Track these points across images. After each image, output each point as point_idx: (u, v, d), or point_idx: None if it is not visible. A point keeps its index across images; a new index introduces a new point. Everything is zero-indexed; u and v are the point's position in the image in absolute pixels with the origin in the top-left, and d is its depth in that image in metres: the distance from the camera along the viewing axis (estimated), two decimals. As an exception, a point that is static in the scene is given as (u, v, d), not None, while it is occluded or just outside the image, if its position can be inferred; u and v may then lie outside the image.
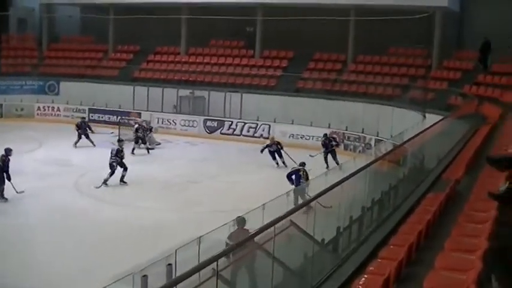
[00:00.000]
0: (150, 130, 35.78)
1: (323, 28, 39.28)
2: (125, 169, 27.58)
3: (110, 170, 27.19)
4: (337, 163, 30.24)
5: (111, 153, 27.66)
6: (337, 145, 32.94)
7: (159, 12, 42.98)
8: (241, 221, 14.78)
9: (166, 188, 27.12)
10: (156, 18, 42.84)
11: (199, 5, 42.82)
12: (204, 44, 44.85)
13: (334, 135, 33.89)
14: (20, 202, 24.13)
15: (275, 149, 31.80)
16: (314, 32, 39.93)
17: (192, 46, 45.04)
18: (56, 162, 30.14)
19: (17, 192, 24.16)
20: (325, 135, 32.93)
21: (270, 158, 31.62)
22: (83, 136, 34.97)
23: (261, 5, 41.22)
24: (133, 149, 33.35)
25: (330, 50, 40.54)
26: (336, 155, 31.71)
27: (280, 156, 31.71)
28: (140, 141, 34.25)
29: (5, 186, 24.36)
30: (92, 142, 34.89)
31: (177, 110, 41.37)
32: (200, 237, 12.27)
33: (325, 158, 31.54)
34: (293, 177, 24.61)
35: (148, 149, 33.91)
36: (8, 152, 24.97)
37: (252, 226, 10.36)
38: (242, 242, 9.53)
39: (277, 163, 31.68)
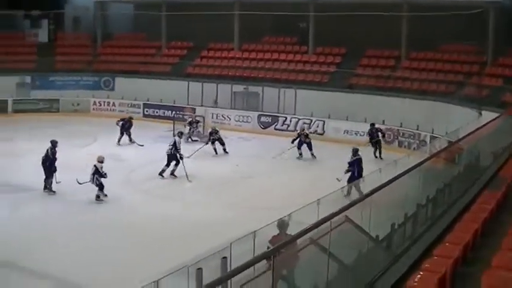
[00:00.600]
0: (197, 123, 35.99)
1: (376, 24, 39.02)
2: (177, 163, 27.91)
3: (173, 162, 27.89)
4: (380, 156, 31.78)
5: (173, 145, 28.27)
6: (383, 136, 33.33)
7: (211, 9, 43.04)
8: (282, 224, 14.04)
9: (218, 183, 27.26)
10: (208, 15, 42.85)
11: (252, 1, 42.92)
12: (257, 40, 44.92)
13: (381, 128, 33.84)
14: (72, 195, 24.55)
15: (304, 141, 32.07)
16: (367, 28, 39.68)
17: (245, 42, 45.13)
18: (110, 156, 30.22)
19: (56, 182, 24.83)
20: (372, 124, 33.27)
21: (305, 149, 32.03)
22: (125, 133, 35.03)
23: (314, 1, 41.14)
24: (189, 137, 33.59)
25: (383, 46, 40.21)
26: (381, 147, 32.39)
27: (310, 148, 32.00)
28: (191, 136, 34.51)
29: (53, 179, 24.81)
30: (130, 140, 34.84)
31: (216, 104, 41.56)
32: (255, 231, 12.33)
33: (374, 152, 32.44)
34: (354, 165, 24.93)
35: (224, 150, 33.62)
36: (55, 144, 25.48)
37: (306, 221, 10.33)
38: (284, 245, 9.40)
39: (301, 154, 32.20)
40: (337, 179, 25.35)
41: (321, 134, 36.88)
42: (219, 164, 30.75)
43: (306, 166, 30.61)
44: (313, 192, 19.00)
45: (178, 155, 28.01)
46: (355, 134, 35.95)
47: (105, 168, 24.88)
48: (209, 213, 22.69)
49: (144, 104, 42.99)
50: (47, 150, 25.32)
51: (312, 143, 32.39)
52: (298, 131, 33.52)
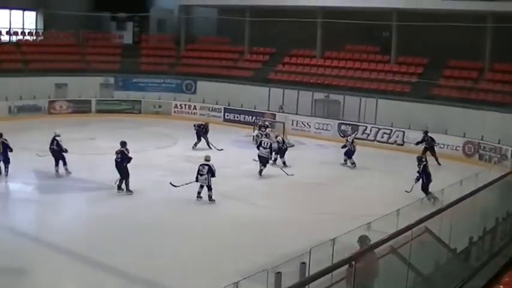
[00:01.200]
0: (266, 127, 35.97)
1: (459, 34, 38.71)
2: (264, 164, 28.90)
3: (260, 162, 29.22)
4: (438, 162, 32.13)
5: (263, 146, 29.57)
6: (435, 144, 33.69)
7: (295, 15, 43.11)
8: (364, 240, 13.39)
9: (294, 188, 27.46)
10: (291, 21, 43.03)
11: (335, 9, 42.93)
12: (339, 48, 44.90)
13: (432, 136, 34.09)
14: (150, 196, 25.14)
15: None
16: (450, 39, 39.35)
17: (327, 50, 45.15)
18: (189, 159, 30.76)
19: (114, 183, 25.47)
20: (426, 132, 33.85)
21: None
22: (202, 138, 34.97)
23: (397, 10, 40.96)
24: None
25: (466, 57, 39.68)
26: (435, 153, 33.03)
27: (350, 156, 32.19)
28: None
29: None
30: (209, 144, 34.52)
31: (283, 110, 41.62)
32: (334, 238, 12.42)
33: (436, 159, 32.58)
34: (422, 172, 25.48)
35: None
36: (125, 144, 25.84)
37: (386, 231, 10.38)
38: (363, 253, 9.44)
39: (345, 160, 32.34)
40: (406, 191, 25.42)
41: (401, 145, 36.68)
42: (296, 170, 30.78)
43: (384, 175, 30.49)
44: (392, 202, 19.07)
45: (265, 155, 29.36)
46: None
47: (185, 170, 25.32)
48: (286, 218, 22.82)
49: (224, 108, 43.37)
50: (123, 152, 25.53)
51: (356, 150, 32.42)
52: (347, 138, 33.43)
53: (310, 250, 12.50)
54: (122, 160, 25.36)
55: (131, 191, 25.32)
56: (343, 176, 30.03)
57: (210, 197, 24.55)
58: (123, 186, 25.33)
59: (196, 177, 24.68)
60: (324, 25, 43.97)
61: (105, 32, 52.40)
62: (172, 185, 25.14)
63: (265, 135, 33.96)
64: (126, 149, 25.63)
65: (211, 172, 24.55)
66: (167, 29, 54.83)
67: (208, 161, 24.97)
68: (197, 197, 24.57)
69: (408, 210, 14.33)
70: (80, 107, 44.39)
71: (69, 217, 22.57)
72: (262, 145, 29.75)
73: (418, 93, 39.12)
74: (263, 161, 29.33)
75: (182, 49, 50.70)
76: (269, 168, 30.00)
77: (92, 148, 33.48)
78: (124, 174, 25.39)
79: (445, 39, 39.49)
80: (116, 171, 25.37)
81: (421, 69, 41.39)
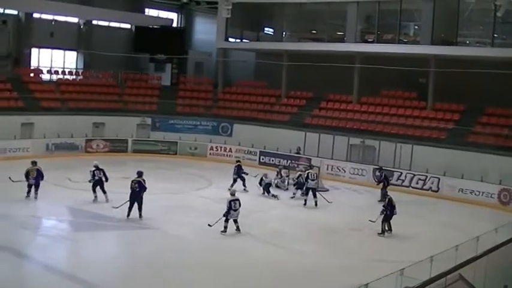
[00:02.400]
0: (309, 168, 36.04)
1: (496, 81, 38.51)
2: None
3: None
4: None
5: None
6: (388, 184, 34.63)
7: (332, 60, 43.22)
8: None
9: (328, 233, 27.27)
10: (328, 66, 43.18)
11: (372, 54, 43.12)
12: (375, 93, 44.98)
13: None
14: (184, 237, 25.07)
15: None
16: (487, 85, 39.23)
17: (363, 95, 45.23)
18: (223, 201, 30.80)
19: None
20: (381, 168, 35.58)
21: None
22: (238, 179, 34.94)
23: (435, 56, 41.03)
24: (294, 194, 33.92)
25: (504, 104, 39.60)
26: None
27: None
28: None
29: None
30: (245, 187, 34.75)
31: (301, 153, 41.75)
32: (367, 284, 12.38)
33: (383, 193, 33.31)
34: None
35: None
36: (141, 175, 27.54)
37: (419, 277, 10.33)
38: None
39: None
40: (370, 220, 27.12)
41: (436, 191, 36.48)
42: (328, 213, 30.78)
43: (419, 222, 30.29)
44: (426, 249, 18.95)
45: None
46: (470, 192, 35.37)
47: (219, 212, 25.55)
48: (318, 262, 22.72)
49: (260, 151, 43.43)
50: (140, 182, 27.16)
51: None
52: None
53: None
54: (140, 189, 26.97)
55: (142, 217, 26.71)
56: (377, 221, 29.86)
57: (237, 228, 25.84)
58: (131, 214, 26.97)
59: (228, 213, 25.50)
60: (361, 70, 44.11)
61: (143, 73, 53.02)
62: (209, 225, 25.45)
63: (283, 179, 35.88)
64: (143, 179, 27.27)
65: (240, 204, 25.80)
66: (205, 71, 55.45)
67: (232, 195, 26.37)
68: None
69: (442, 258, 14.23)
70: (117, 147, 44.82)
71: (102, 256, 22.61)
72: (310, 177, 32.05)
73: (454, 140, 38.95)
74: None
75: (219, 92, 51.09)
76: (301, 211, 30.12)
77: (128, 188, 33.64)
78: (140, 202, 26.99)
79: (482, 85, 39.33)
80: (129, 199, 27.06)
81: (458, 115, 41.27)
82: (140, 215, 26.83)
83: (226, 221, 25.43)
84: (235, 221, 25.74)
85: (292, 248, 24.48)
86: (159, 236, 25.17)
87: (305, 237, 26.49)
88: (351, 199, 35.34)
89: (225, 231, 25.32)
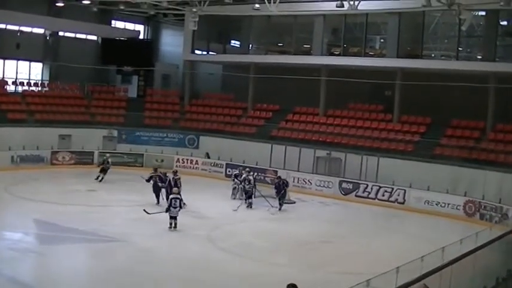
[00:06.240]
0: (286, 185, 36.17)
1: (462, 95, 38.83)
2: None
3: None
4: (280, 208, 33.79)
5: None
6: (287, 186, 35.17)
7: (299, 73, 43.41)
8: None
9: (298, 246, 27.10)
10: (295, 79, 43.30)
11: (339, 67, 43.32)
12: (342, 106, 45.16)
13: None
14: (154, 250, 24.86)
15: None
16: (452, 98, 39.54)
17: (330, 107, 45.39)
18: (192, 214, 30.80)
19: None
20: (279, 177, 35.83)
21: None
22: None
23: (401, 69, 41.33)
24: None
25: (469, 117, 40.00)
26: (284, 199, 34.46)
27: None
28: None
29: None
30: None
31: (208, 157, 43.80)
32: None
33: (279, 200, 34.09)
34: None
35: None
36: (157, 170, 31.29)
37: None
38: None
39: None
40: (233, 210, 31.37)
41: (402, 203, 36.68)
42: (298, 226, 30.87)
43: (386, 233, 30.43)
44: (392, 260, 19.04)
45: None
46: (436, 204, 35.58)
47: (186, 224, 25.68)
48: (288, 275, 22.56)
49: (226, 164, 43.32)
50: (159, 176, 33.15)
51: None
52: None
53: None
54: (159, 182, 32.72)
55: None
56: (344, 233, 29.97)
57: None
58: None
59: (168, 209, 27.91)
60: (327, 83, 44.30)
61: (110, 85, 52.93)
62: (145, 211, 28.71)
63: (243, 180, 35.67)
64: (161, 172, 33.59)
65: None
66: (172, 83, 55.49)
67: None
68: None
69: (409, 268, 14.32)
70: (83, 159, 44.56)
71: (70, 269, 22.40)
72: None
73: (420, 152, 39.20)
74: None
75: (186, 104, 51.09)
76: (269, 223, 30.25)
77: (95, 200, 33.60)
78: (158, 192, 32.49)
79: (448, 98, 39.68)
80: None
81: (424, 128, 41.57)
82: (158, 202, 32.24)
83: (171, 217, 27.65)
84: (175, 218, 27.63)
85: (265, 261, 24.46)
86: (128, 248, 24.97)
87: (276, 250, 26.40)
88: (318, 211, 35.43)
89: (170, 227, 27.50)
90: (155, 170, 34.86)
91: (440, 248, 19.19)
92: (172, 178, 33.56)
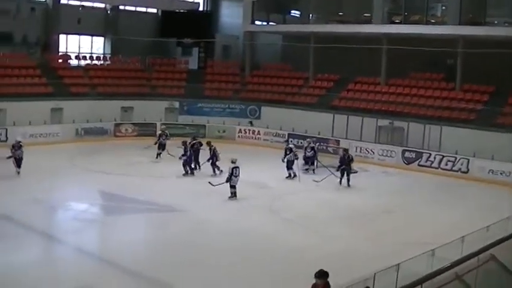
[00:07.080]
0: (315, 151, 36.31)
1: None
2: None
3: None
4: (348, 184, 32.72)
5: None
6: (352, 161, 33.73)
7: (359, 42, 43.13)
8: (320, 275, 13.17)
9: (360, 216, 27.10)
10: (356, 48, 43.02)
11: (400, 36, 42.83)
12: (403, 75, 44.76)
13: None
14: (214, 221, 25.12)
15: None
16: (516, 66, 39.00)
17: (391, 77, 45.02)
18: (254, 184, 30.86)
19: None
20: (346, 151, 34.42)
21: None
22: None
23: (463, 37, 40.67)
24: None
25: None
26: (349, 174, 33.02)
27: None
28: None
29: None
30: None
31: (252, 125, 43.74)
32: (398, 264, 12.37)
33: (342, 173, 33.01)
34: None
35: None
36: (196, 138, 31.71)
37: (450, 258, 10.33)
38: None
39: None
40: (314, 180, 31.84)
41: (465, 173, 36.32)
42: (359, 196, 30.84)
43: (449, 203, 30.15)
44: (456, 230, 18.90)
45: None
46: (501, 173, 35.15)
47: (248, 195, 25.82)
48: (350, 245, 22.66)
49: (288, 134, 43.31)
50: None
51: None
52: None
53: (374, 275, 12.47)
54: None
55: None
56: (406, 203, 29.77)
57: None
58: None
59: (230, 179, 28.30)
60: (388, 52, 43.85)
61: (170, 58, 53.22)
62: (210, 184, 29.04)
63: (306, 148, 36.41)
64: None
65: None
66: (232, 55, 55.40)
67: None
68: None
69: (473, 238, 14.21)
70: (145, 131, 44.94)
71: (132, 239, 22.73)
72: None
73: (483, 121, 38.67)
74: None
75: (247, 75, 51.09)
76: (331, 193, 30.32)
77: (157, 171, 33.97)
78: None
79: (511, 66, 39.02)
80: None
81: (487, 96, 40.97)
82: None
83: (231, 187, 28.10)
84: (234, 187, 28.09)
85: (324, 232, 24.41)
86: (187, 219, 25.31)
87: (337, 220, 26.39)
88: (380, 181, 35.31)
89: (232, 196, 28.06)
90: (194, 138, 35.72)
91: (505, 218, 19.00)
92: (210, 148, 34.20)
